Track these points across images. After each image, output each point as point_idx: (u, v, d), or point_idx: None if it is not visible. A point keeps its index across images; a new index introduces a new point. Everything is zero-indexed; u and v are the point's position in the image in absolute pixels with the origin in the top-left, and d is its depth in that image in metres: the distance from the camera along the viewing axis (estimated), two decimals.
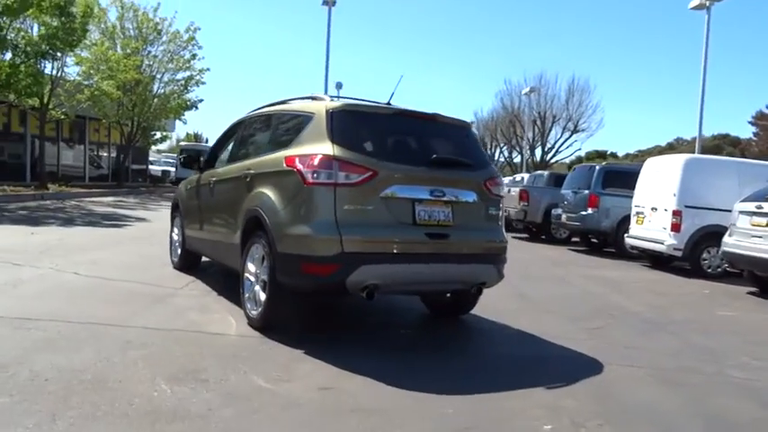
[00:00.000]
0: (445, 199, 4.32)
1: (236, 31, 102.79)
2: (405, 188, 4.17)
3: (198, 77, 27.63)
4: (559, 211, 13.38)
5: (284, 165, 4.21)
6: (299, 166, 4.04)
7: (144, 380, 3.19)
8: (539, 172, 20.39)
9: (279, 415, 2.93)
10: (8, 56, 16.99)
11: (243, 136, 5.68)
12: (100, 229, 10.60)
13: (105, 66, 22.22)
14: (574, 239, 14.35)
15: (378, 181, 4.05)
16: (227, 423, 2.76)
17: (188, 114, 28.25)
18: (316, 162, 3.97)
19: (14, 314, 4.26)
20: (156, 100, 26.46)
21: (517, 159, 43.02)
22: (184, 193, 6.74)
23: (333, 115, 4.20)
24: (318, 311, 5.37)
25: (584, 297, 7.14)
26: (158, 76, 26.59)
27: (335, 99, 4.66)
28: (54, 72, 19.71)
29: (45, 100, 19.25)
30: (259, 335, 4.21)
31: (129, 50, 24.59)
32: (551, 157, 41.05)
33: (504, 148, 45.26)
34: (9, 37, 16.72)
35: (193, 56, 26.72)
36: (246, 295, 4.50)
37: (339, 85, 31.05)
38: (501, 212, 4.67)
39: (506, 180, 17.98)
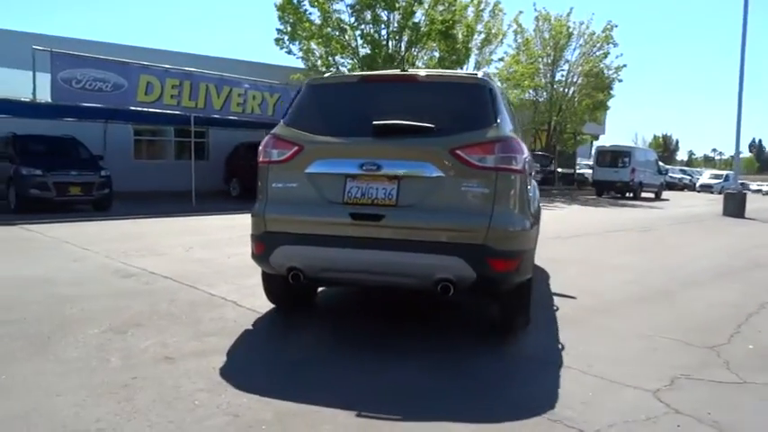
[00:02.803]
0: (383, 173, 3.49)
1: None
2: (329, 163, 3.60)
3: (614, 75, 26.67)
4: None
5: None
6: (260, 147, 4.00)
7: None
8: None
9: None
10: None
11: None
12: None
13: (511, 78, 23.70)
14: None
15: (303, 156, 3.66)
16: None
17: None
18: (264, 141, 3.87)
19: None
20: (570, 103, 26.69)
21: None
22: None
23: (298, 91, 4.02)
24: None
25: None
26: (571, 79, 26.76)
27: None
28: None
29: None
30: None
31: (536, 60, 25.59)
32: None
33: None
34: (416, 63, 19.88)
35: (605, 54, 25.94)
36: None
37: None
38: (499, 188, 3.39)
39: None
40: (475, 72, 3.62)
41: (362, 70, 17.85)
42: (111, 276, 5.34)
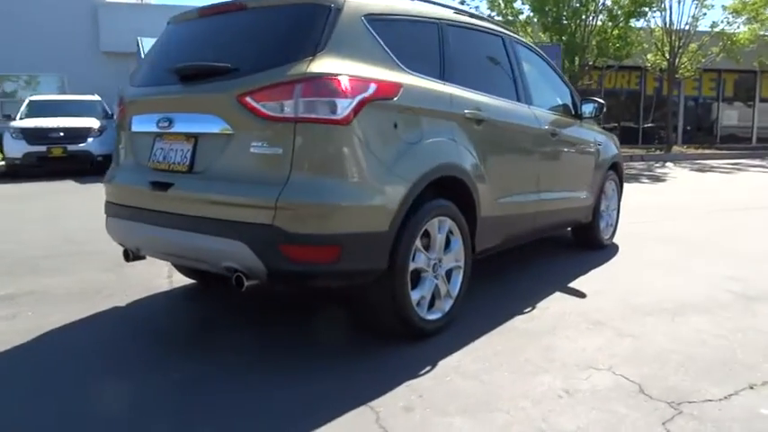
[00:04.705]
0: (178, 130, 2.72)
1: None
2: (140, 119, 2.97)
3: None
4: None
5: None
6: None
7: None
8: None
9: None
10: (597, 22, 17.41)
11: None
12: None
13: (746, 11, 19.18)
14: None
15: (127, 113, 3.07)
16: None
17: None
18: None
19: None
20: None
21: None
22: None
23: (164, 30, 3.37)
24: None
25: None
26: None
27: None
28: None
29: (673, 59, 18.66)
30: None
31: None
32: None
33: None
34: (602, 2, 17.15)
35: None
36: None
37: None
38: (299, 147, 2.40)
39: None
40: None
41: None
42: None
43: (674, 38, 18.83)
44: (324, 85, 2.42)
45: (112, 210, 3.04)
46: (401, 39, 2.89)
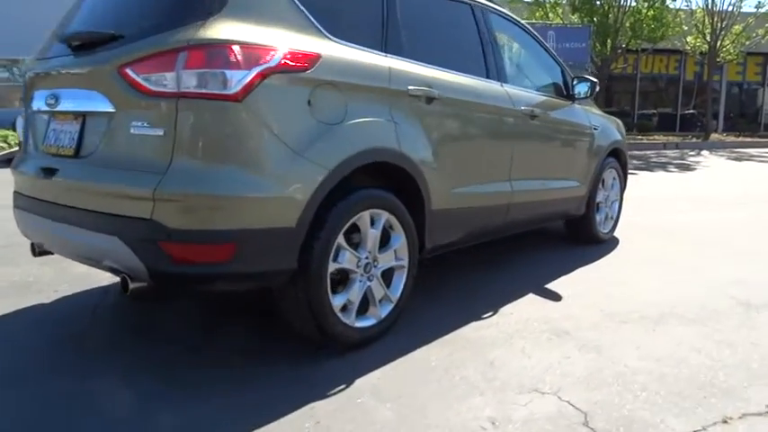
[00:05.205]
0: (63, 109, 2.40)
1: None
2: (36, 96, 2.64)
3: None
4: None
5: None
6: None
7: None
8: None
9: None
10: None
11: None
12: None
13: None
14: None
15: (28, 91, 2.77)
16: None
17: None
18: None
19: None
20: None
21: None
22: None
23: None
24: None
25: None
26: None
27: None
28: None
29: (714, 42, 17.65)
30: None
31: None
32: None
33: None
34: None
35: None
36: None
37: None
38: (182, 127, 2.04)
39: None
40: None
41: None
42: None
43: (716, 19, 17.80)
44: (212, 55, 2.05)
45: (17, 200, 2.75)
46: (328, 1, 2.50)
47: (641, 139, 17.38)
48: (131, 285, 2.16)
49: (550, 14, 17.33)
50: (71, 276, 3.59)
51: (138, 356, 2.49)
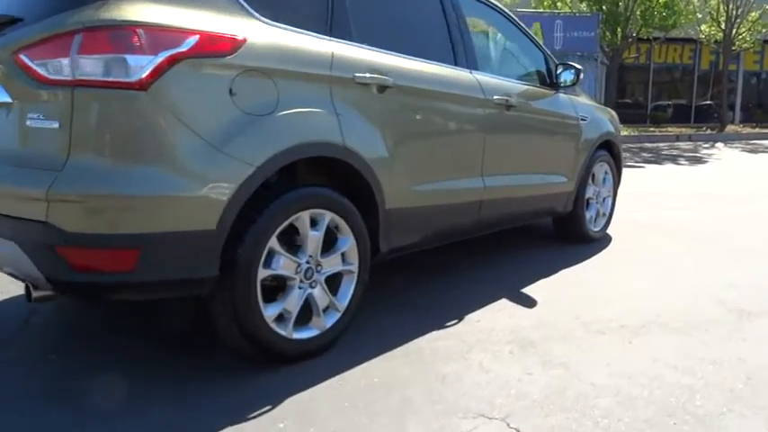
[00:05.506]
0: None
1: None
2: None
3: None
4: None
5: None
6: None
7: None
8: None
9: None
10: None
11: None
12: None
13: None
14: None
15: None
16: None
17: None
18: None
19: None
20: None
21: None
22: None
23: None
24: None
25: None
26: None
27: None
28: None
29: (729, 30, 17.13)
30: None
31: None
32: None
33: None
34: None
35: None
36: None
37: None
38: (79, 119, 1.82)
39: None
40: None
41: None
42: None
43: (731, 6, 17.25)
44: (111, 38, 1.82)
45: None
46: None
47: (653, 131, 16.94)
48: (35, 294, 1.95)
49: (558, 3, 16.90)
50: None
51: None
